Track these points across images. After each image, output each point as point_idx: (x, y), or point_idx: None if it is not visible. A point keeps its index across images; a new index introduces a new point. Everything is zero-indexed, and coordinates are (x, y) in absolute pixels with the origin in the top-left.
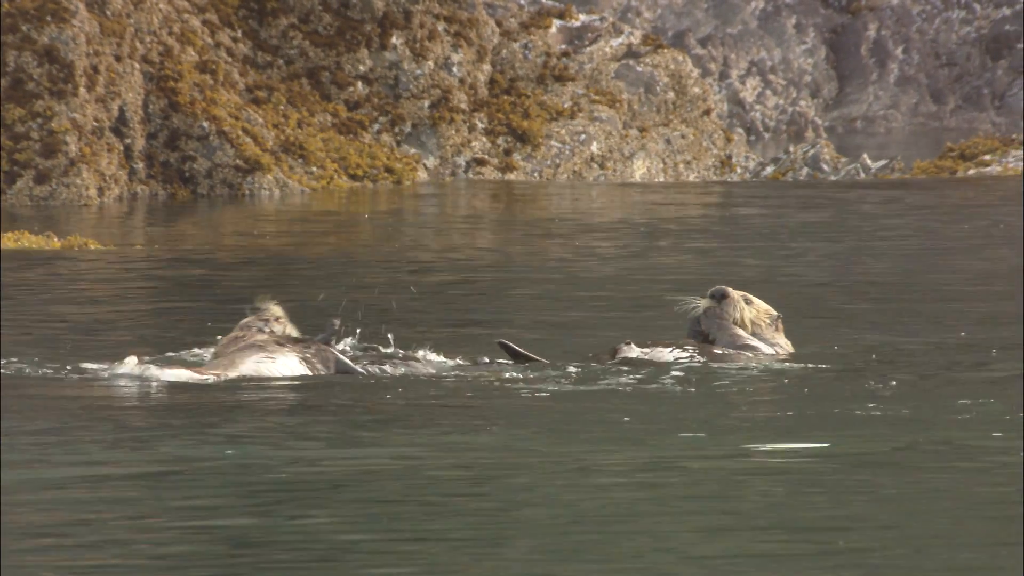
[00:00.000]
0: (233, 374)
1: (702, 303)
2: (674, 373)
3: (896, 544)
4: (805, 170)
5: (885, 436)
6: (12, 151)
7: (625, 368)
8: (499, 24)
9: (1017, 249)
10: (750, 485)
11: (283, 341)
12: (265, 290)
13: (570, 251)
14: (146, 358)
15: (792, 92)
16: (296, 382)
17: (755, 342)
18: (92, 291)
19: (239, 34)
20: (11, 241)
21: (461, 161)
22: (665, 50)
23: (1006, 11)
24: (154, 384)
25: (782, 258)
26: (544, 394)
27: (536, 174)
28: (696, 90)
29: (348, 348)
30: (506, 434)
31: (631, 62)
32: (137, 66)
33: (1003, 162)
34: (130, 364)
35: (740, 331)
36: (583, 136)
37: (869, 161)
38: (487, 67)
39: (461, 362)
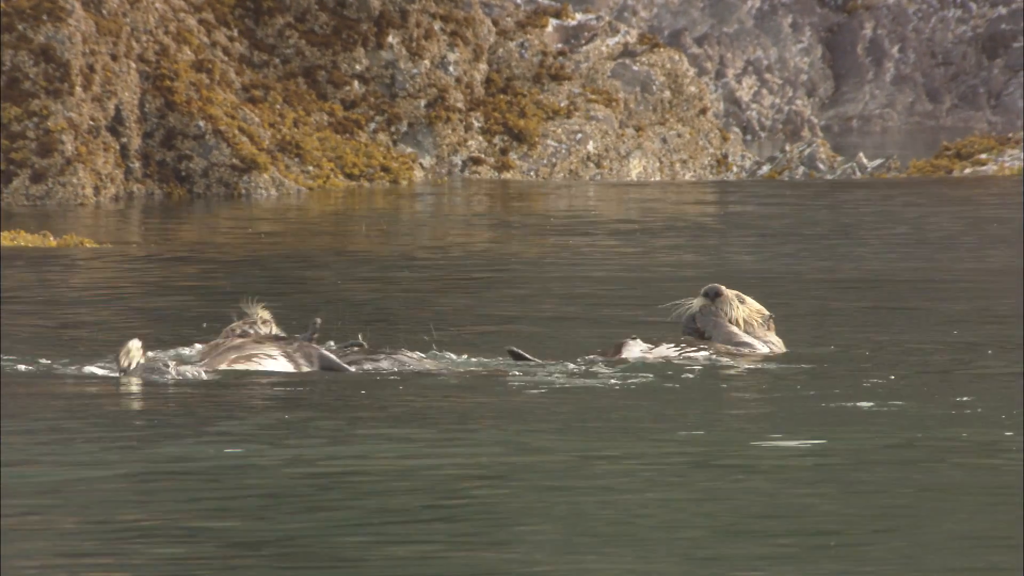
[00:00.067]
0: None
1: (696, 302)
2: (675, 370)
3: (894, 542)
4: (801, 169)
5: (881, 434)
6: (8, 150)
7: (628, 365)
8: (495, 23)
9: (1012, 248)
10: (750, 484)
11: (263, 339)
12: (260, 289)
13: (566, 249)
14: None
15: (788, 91)
16: (280, 379)
17: (750, 340)
18: (88, 290)
19: (235, 33)
20: (7, 240)
21: (457, 160)
22: (661, 49)
23: (1002, 10)
24: (149, 381)
25: (778, 256)
26: (544, 391)
27: (532, 173)
28: (692, 89)
29: (333, 343)
30: (506, 432)
31: (627, 61)
32: (133, 65)
33: (999, 161)
34: (134, 347)
35: (735, 329)
36: (579, 135)
37: (865, 160)
38: (483, 66)
39: (454, 358)
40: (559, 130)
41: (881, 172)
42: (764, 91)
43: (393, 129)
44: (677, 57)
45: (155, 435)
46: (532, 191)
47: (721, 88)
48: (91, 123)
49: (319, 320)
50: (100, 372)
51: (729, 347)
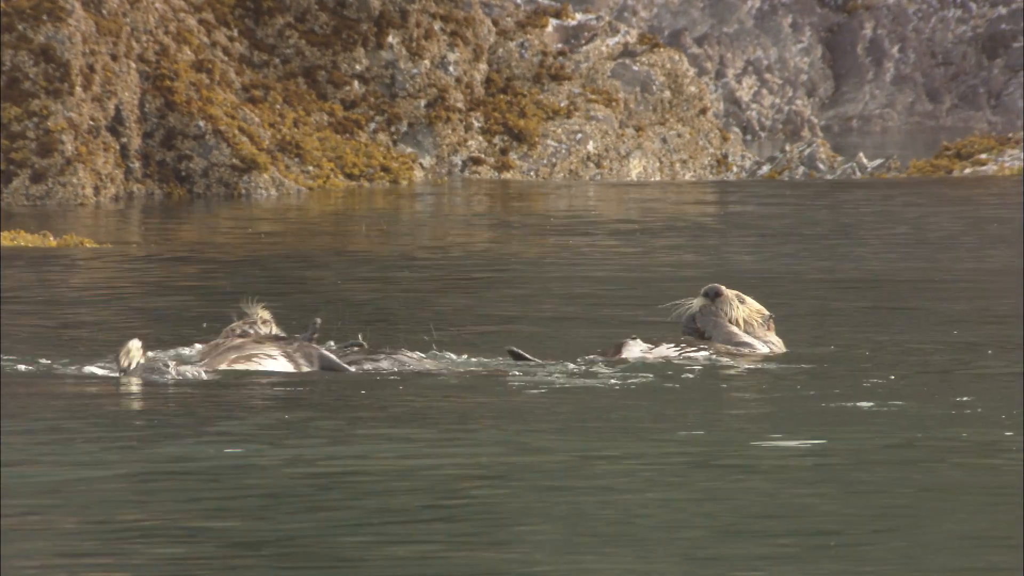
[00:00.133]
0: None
1: (696, 302)
2: (675, 370)
3: (894, 542)
4: (801, 169)
5: (881, 434)
6: (8, 150)
7: (628, 365)
8: (495, 23)
9: (1012, 248)
10: (750, 484)
11: (263, 339)
12: (260, 289)
13: (566, 249)
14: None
15: (788, 91)
16: (280, 379)
17: (750, 340)
18: (88, 290)
19: (235, 33)
20: (7, 240)
21: (457, 160)
22: (661, 49)
23: (1002, 10)
24: (149, 381)
25: (778, 256)
26: (544, 391)
27: (532, 173)
28: (692, 89)
29: (333, 343)
30: (506, 432)
31: (627, 61)
32: (133, 65)
33: (999, 161)
34: (134, 347)
35: (735, 329)
36: (579, 135)
37: (865, 160)
38: (483, 66)
39: (454, 358)
40: (559, 130)
41: (881, 172)
42: (764, 91)
43: (393, 129)
44: (677, 57)
45: (155, 435)
46: (532, 191)
47: (721, 88)
48: (91, 123)
49: (319, 320)
50: (100, 372)
51: (729, 347)
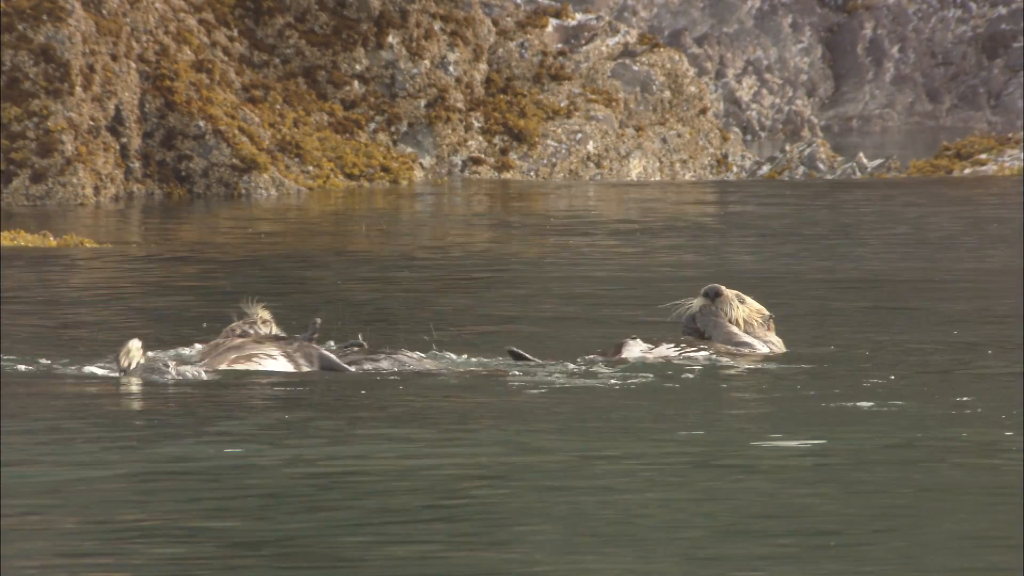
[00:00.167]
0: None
1: (696, 302)
2: (675, 370)
3: (894, 542)
4: (801, 169)
5: (881, 434)
6: (8, 150)
7: (628, 365)
8: (495, 23)
9: (1012, 248)
10: (750, 484)
11: (262, 339)
12: (260, 289)
13: (566, 249)
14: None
15: (788, 91)
16: (280, 379)
17: (750, 340)
18: (88, 290)
19: (235, 33)
20: (7, 240)
21: (457, 160)
22: (661, 49)
23: (1002, 10)
24: (149, 381)
25: (778, 256)
26: (544, 391)
27: (532, 173)
28: (692, 89)
29: (333, 343)
30: (506, 432)
31: (627, 61)
32: (133, 65)
33: (999, 161)
34: (134, 347)
35: (735, 329)
36: (579, 135)
37: (865, 160)
38: (483, 66)
39: (455, 358)
40: (559, 130)
41: (881, 172)
42: (764, 91)
43: (393, 129)
44: (677, 57)
45: (155, 435)
46: (532, 191)
47: (721, 88)
48: (91, 123)
49: (319, 320)
50: (100, 372)
51: (729, 347)
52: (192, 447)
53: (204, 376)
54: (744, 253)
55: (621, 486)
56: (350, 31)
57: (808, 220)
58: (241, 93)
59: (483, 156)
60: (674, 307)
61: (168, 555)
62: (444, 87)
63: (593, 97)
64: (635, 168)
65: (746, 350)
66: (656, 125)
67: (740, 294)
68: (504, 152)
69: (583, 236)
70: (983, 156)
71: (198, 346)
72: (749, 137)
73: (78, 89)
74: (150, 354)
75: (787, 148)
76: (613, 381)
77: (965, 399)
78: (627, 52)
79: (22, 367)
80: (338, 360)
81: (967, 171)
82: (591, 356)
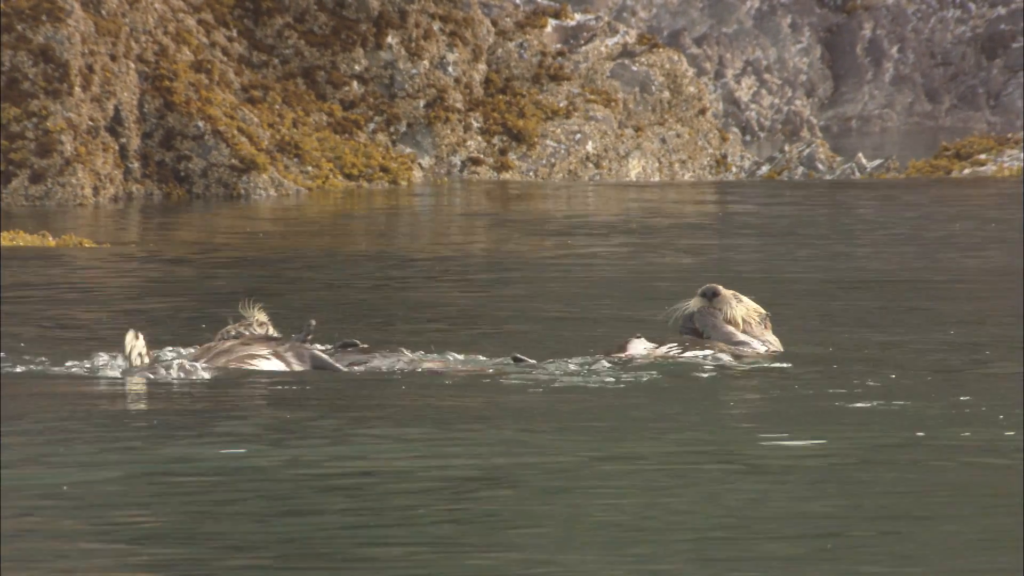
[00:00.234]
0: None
1: (693, 302)
2: (676, 370)
3: (895, 542)
4: (800, 169)
5: (882, 433)
6: (7, 150)
7: (631, 364)
8: (494, 23)
9: (1012, 248)
10: (750, 484)
11: (251, 340)
12: (259, 290)
13: (566, 249)
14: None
15: (787, 91)
16: (281, 379)
17: (748, 339)
18: (87, 290)
19: (234, 33)
20: (6, 240)
21: (456, 160)
22: (660, 49)
23: (1001, 10)
24: (149, 381)
25: (777, 257)
26: (545, 391)
27: (531, 173)
28: (691, 89)
29: (329, 345)
30: (506, 432)
31: (626, 61)
32: (132, 65)
33: (998, 161)
34: (137, 340)
35: (733, 329)
36: (578, 135)
37: (864, 160)
38: (482, 66)
39: (455, 358)
40: (558, 130)
41: (880, 172)
42: (763, 91)
43: (392, 129)
44: (676, 57)
45: (155, 435)
46: (531, 191)
47: (720, 88)
48: (90, 123)
49: (314, 322)
50: (100, 372)
51: (728, 347)
52: (192, 447)
53: (206, 376)
54: (744, 253)
55: (621, 486)
56: (349, 31)
57: (808, 220)
58: (240, 93)
59: (482, 156)
60: (672, 311)
61: (168, 555)
62: (443, 87)
63: (592, 97)
64: (634, 168)
65: (746, 349)
66: (655, 125)
67: (737, 294)
68: (503, 152)
69: (583, 236)
70: (982, 156)
71: (191, 350)
72: (748, 137)
73: (77, 89)
74: (152, 352)
75: (786, 148)
76: (614, 381)
77: (965, 399)
78: (626, 52)
79: (22, 367)
80: (330, 360)
81: (966, 171)
82: (594, 355)
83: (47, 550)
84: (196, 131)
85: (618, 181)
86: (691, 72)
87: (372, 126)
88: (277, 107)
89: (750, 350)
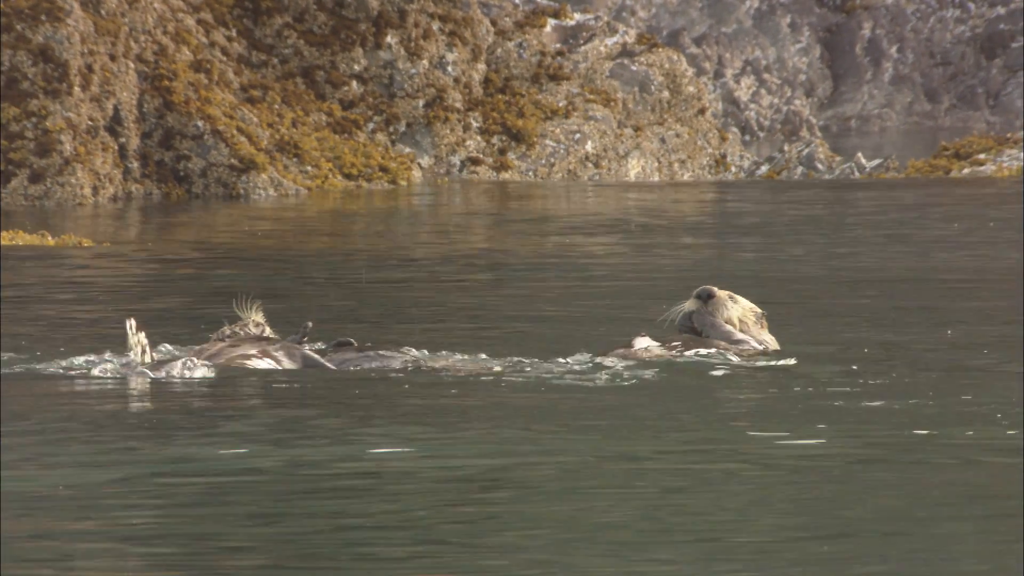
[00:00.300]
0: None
1: (688, 304)
2: (677, 369)
3: (895, 543)
4: (800, 169)
5: (882, 433)
6: (7, 150)
7: (632, 363)
8: (494, 23)
9: (1012, 248)
10: (751, 483)
11: (240, 341)
12: (257, 290)
13: (566, 249)
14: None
15: (787, 91)
16: (281, 379)
17: (746, 338)
18: (86, 290)
19: (234, 33)
20: (6, 240)
21: (456, 160)
22: (660, 49)
23: (1000, 10)
24: (149, 381)
25: (776, 256)
26: (545, 391)
27: (531, 173)
28: (691, 89)
29: (323, 344)
30: (506, 432)
31: (626, 61)
32: (132, 65)
33: (997, 161)
34: (139, 335)
35: (731, 328)
36: (578, 135)
37: (864, 160)
38: (482, 66)
39: (455, 358)
40: (557, 130)
41: (880, 172)
42: (762, 91)
43: (391, 129)
44: (675, 57)
45: (155, 435)
46: (531, 191)
47: (719, 88)
48: (89, 123)
49: (310, 324)
50: (100, 371)
51: (728, 345)
52: (192, 447)
53: (208, 376)
54: (744, 253)
55: (623, 486)
56: (348, 31)
57: (808, 220)
58: (239, 93)
59: (481, 156)
60: (668, 314)
61: (168, 555)
62: (442, 87)
63: (591, 97)
64: (633, 168)
65: (746, 347)
66: (654, 125)
67: (732, 294)
68: (502, 152)
69: (583, 236)
70: (982, 156)
71: (175, 351)
72: (747, 137)
73: (76, 89)
74: (153, 351)
75: (785, 148)
76: (615, 380)
77: (965, 399)
78: (625, 52)
79: (22, 367)
80: (321, 359)
81: (966, 171)
82: (597, 355)
83: (47, 550)
84: (195, 131)
85: (617, 181)
86: (690, 72)
87: (371, 126)
88: (276, 107)
89: (750, 348)
